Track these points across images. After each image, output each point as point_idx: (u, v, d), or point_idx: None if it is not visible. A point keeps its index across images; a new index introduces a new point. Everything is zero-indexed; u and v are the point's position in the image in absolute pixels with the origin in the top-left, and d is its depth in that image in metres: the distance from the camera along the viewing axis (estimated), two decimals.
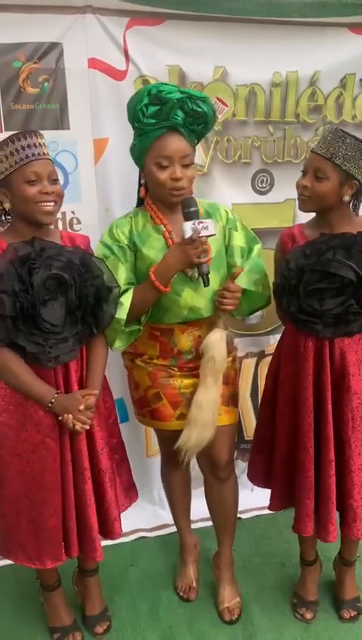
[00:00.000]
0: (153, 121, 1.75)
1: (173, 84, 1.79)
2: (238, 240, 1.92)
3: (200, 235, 1.71)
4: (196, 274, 1.80)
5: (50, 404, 1.66)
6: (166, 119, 1.74)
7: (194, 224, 1.72)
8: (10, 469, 1.72)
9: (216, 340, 1.82)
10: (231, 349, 1.95)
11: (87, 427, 1.71)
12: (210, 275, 1.77)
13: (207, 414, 1.82)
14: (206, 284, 1.75)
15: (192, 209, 1.75)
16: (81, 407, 1.67)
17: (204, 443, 1.85)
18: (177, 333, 1.89)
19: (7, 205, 1.64)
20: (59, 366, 1.69)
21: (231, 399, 1.98)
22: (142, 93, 1.75)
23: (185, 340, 1.89)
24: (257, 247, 1.96)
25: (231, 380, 1.96)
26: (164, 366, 1.93)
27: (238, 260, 1.91)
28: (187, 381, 1.91)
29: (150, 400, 1.97)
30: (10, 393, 1.68)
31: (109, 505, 1.84)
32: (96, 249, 1.85)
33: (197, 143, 1.86)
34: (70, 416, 1.66)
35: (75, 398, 1.68)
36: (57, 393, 1.67)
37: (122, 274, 1.82)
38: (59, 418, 1.67)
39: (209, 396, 1.82)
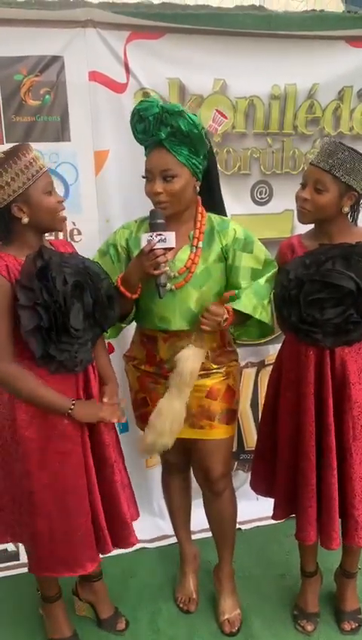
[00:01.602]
0: (142, 136, 1.80)
1: (153, 100, 1.78)
2: (248, 262, 1.87)
3: (155, 247, 1.70)
4: (169, 285, 1.81)
5: (70, 410, 1.67)
6: (150, 135, 1.76)
7: (151, 236, 1.72)
8: (38, 483, 1.71)
9: (187, 355, 1.82)
10: (218, 359, 1.93)
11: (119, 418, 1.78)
12: (188, 291, 1.80)
13: (163, 422, 1.82)
14: (160, 295, 1.75)
15: (157, 221, 1.75)
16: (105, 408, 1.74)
17: (160, 449, 1.85)
18: (160, 341, 1.91)
19: (25, 220, 1.63)
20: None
21: (224, 415, 1.95)
22: (132, 111, 1.80)
23: (165, 350, 1.90)
24: (269, 274, 1.90)
25: (221, 396, 1.94)
26: (150, 373, 1.96)
27: (244, 282, 1.87)
28: None
29: (139, 404, 2.03)
30: (33, 406, 1.68)
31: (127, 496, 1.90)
32: (102, 244, 1.97)
33: (198, 154, 1.81)
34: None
35: (93, 405, 1.74)
36: (73, 402, 1.68)
37: (112, 275, 1.84)
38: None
39: (169, 406, 1.82)
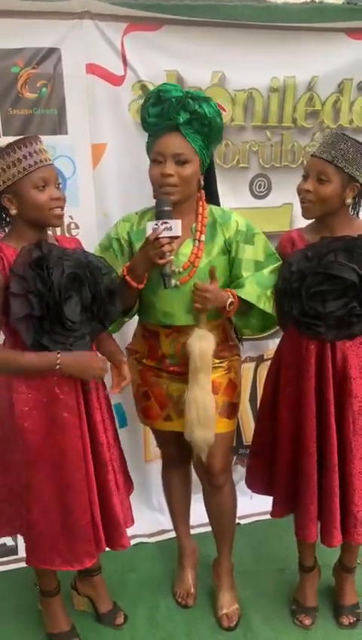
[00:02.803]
0: (155, 120, 1.77)
1: (176, 85, 1.77)
2: (251, 254, 1.85)
3: (161, 236, 1.69)
4: (173, 280, 1.79)
5: (57, 367, 1.64)
6: (167, 119, 1.74)
7: (156, 224, 1.70)
8: (38, 475, 1.71)
9: (193, 339, 1.80)
10: (220, 353, 1.91)
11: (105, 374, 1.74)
12: (192, 285, 1.77)
13: (191, 415, 1.81)
14: (166, 285, 1.74)
15: (164, 209, 1.73)
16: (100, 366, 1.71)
17: (204, 442, 1.83)
18: (162, 336, 1.90)
19: (13, 212, 1.64)
20: None
21: (225, 409, 1.94)
22: (149, 93, 1.79)
23: (168, 345, 1.89)
24: (274, 265, 1.88)
25: (222, 389, 1.93)
26: (152, 367, 1.95)
27: (247, 273, 1.85)
28: (175, 385, 1.91)
29: (141, 397, 2.03)
30: (32, 398, 1.68)
31: (121, 498, 1.88)
32: (102, 238, 1.96)
33: (209, 147, 1.80)
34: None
35: (80, 352, 1.69)
36: (59, 353, 1.65)
37: (116, 269, 1.83)
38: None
39: (191, 397, 1.81)
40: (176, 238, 1.73)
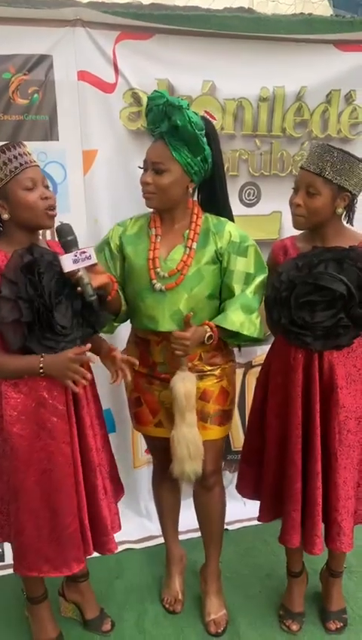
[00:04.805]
0: (151, 127, 1.79)
1: (163, 92, 1.75)
2: (242, 266, 1.84)
3: (81, 267, 1.62)
4: (158, 285, 1.80)
5: (41, 371, 1.63)
6: (156, 126, 1.76)
7: (76, 256, 1.61)
8: (26, 481, 1.71)
9: (176, 381, 1.81)
10: (211, 359, 1.93)
11: (87, 381, 1.68)
12: (179, 293, 1.79)
13: (181, 450, 1.83)
14: (95, 307, 1.68)
15: (69, 238, 1.65)
16: (71, 355, 1.62)
17: (193, 475, 1.86)
18: (153, 344, 1.91)
19: (5, 216, 1.64)
20: None
21: (218, 417, 1.95)
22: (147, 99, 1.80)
23: (158, 352, 1.90)
24: (259, 280, 1.87)
25: (214, 398, 1.94)
26: (144, 374, 1.95)
27: (238, 285, 1.84)
28: (166, 392, 1.90)
29: (133, 403, 2.03)
30: (21, 402, 1.68)
31: (108, 503, 1.88)
32: (99, 242, 1.97)
33: (193, 157, 1.76)
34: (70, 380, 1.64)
35: (63, 354, 1.64)
36: (42, 356, 1.63)
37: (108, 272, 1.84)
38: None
39: (179, 433, 1.84)
40: (95, 265, 1.66)
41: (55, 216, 1.68)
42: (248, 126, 2.40)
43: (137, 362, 1.82)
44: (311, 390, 1.82)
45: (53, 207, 1.66)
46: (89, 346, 1.66)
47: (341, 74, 2.43)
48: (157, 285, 1.80)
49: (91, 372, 1.86)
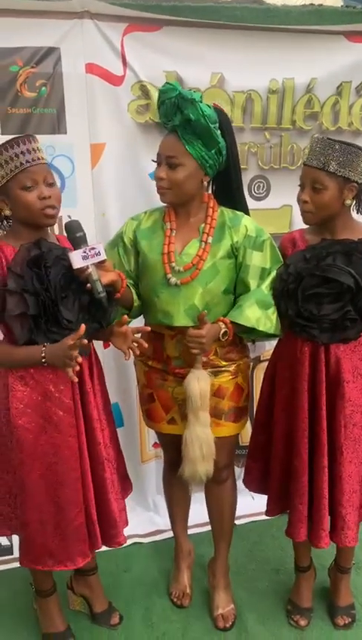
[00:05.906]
0: (163, 120, 1.77)
1: (175, 84, 1.71)
2: (258, 260, 1.82)
3: (90, 263, 1.60)
4: (173, 279, 1.79)
5: (43, 360, 1.62)
6: (169, 120, 1.73)
7: (85, 252, 1.59)
8: (32, 474, 1.71)
9: (190, 379, 1.80)
10: (227, 355, 1.91)
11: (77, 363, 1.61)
12: (194, 287, 1.77)
13: (193, 451, 1.82)
14: (104, 304, 1.67)
15: (78, 235, 1.63)
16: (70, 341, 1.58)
17: (204, 476, 1.85)
18: (167, 338, 1.89)
19: (7, 212, 1.66)
20: None
21: (232, 414, 1.94)
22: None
23: (172, 347, 1.88)
24: (271, 278, 1.84)
25: (228, 394, 1.92)
26: (158, 369, 1.94)
27: (253, 281, 1.82)
28: (180, 388, 1.89)
29: (145, 399, 2.02)
30: (27, 395, 1.68)
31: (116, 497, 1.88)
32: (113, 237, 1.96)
33: (208, 150, 1.73)
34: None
35: (63, 342, 1.59)
36: (44, 346, 1.62)
37: (121, 268, 1.84)
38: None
39: (192, 433, 1.82)
40: (104, 262, 1.64)
41: (54, 215, 1.65)
42: (257, 119, 2.38)
43: (148, 328, 1.80)
44: (318, 383, 1.81)
45: (52, 207, 1.63)
46: (83, 326, 1.57)
47: (351, 65, 2.40)
48: (172, 280, 1.79)
49: (99, 366, 1.86)
